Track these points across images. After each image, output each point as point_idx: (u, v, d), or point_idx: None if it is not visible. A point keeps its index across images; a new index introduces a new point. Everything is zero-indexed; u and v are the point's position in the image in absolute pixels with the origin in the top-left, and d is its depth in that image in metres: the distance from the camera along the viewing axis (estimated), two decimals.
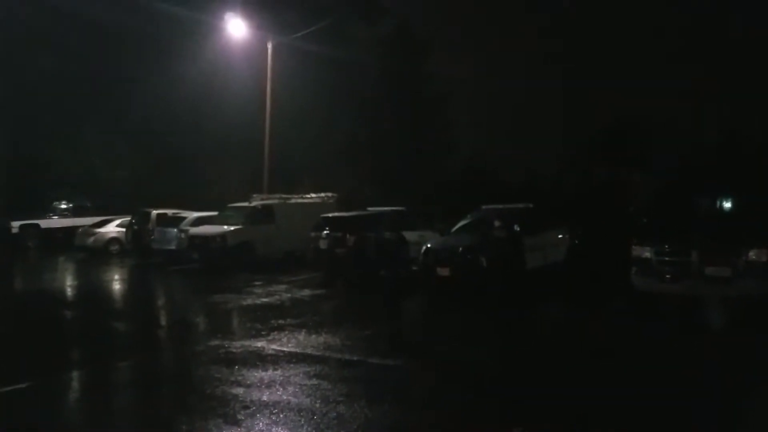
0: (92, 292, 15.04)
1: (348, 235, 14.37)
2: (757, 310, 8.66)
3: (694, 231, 9.28)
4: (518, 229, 12.55)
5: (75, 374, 7.63)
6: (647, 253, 9.40)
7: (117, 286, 16.36)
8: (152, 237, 20.31)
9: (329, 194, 19.85)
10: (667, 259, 9.21)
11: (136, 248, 21.48)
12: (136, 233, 21.39)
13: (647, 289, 9.45)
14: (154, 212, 21.08)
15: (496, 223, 11.72)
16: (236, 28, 22.77)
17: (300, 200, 19.39)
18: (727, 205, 10.32)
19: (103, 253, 22.40)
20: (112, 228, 23.10)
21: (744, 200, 10.12)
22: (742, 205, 10.08)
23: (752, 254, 8.52)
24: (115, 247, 22.77)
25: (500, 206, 14.09)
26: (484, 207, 14.46)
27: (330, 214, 15.97)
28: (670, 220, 10.07)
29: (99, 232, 23.01)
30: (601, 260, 13.14)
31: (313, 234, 15.25)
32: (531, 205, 14.20)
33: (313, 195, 19.79)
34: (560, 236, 14.17)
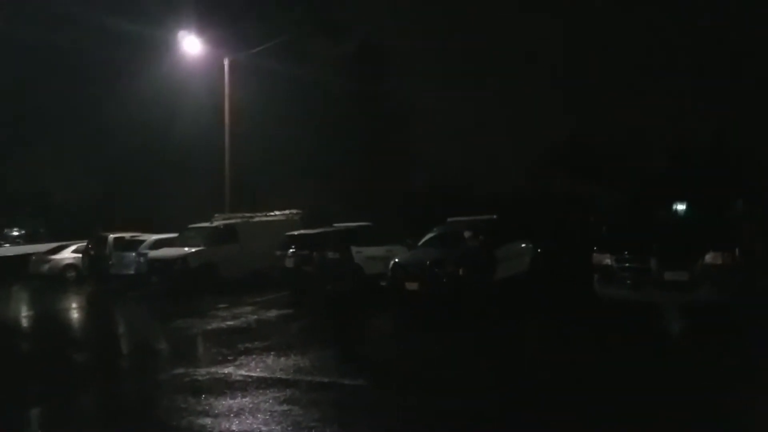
0: (48, 321, 14.46)
1: (314, 253, 14.21)
2: (714, 314, 8.84)
3: (653, 238, 9.37)
4: (482, 239, 12.69)
5: (32, 410, 7.22)
6: (608, 261, 9.46)
7: (75, 314, 15.78)
8: (110, 262, 19.70)
9: (294, 211, 19.56)
10: (627, 265, 9.29)
11: (93, 274, 20.80)
12: (92, 259, 20.72)
13: (609, 296, 9.50)
14: (111, 236, 20.48)
15: (466, 234, 11.78)
16: (192, 45, 22.52)
17: (264, 218, 19.08)
18: (685, 212, 10.52)
19: (60, 280, 21.58)
20: (68, 254, 22.30)
21: (700, 207, 10.31)
22: (698, 211, 10.17)
23: (708, 258, 8.64)
24: (71, 274, 21.94)
25: (465, 218, 14.17)
26: (449, 220, 14.52)
27: (295, 232, 15.77)
28: (630, 228, 10.17)
29: (54, 258, 22.21)
30: (564, 269, 13.30)
31: (278, 253, 15.03)
32: (494, 217, 14.32)
33: (277, 212, 19.49)
34: (523, 246, 14.29)
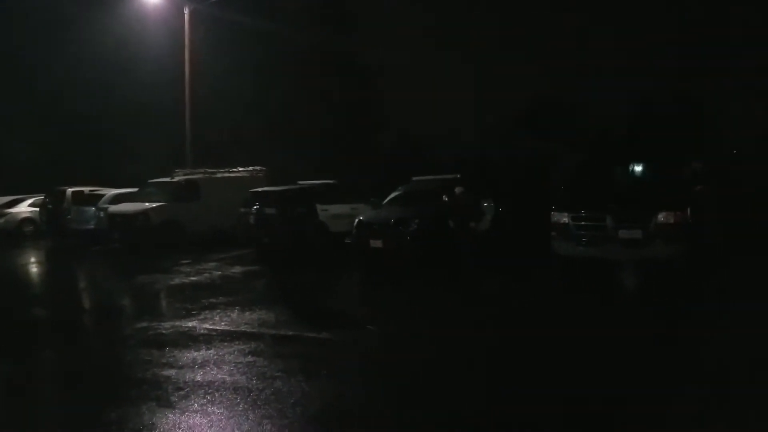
0: (6, 276, 14.20)
1: (279, 211, 14.20)
2: (665, 271, 9.28)
3: (609, 196, 9.71)
4: (446, 199, 12.89)
5: None
6: (565, 219, 9.78)
7: (34, 269, 15.53)
8: (69, 216, 19.32)
9: (258, 168, 19.38)
10: (583, 223, 9.63)
11: (51, 229, 20.38)
12: (50, 213, 20.27)
13: (566, 253, 9.85)
14: (69, 190, 19.99)
15: (457, 190, 12.00)
16: None
17: (227, 175, 18.85)
18: (641, 172, 10.82)
19: (16, 234, 21.13)
20: (25, 208, 21.79)
21: (656, 167, 10.58)
22: (655, 171, 10.52)
23: (661, 217, 9.01)
24: (29, 228, 21.52)
25: (430, 177, 14.30)
26: (414, 179, 14.62)
27: (260, 189, 15.67)
28: (587, 187, 10.42)
29: (10, 212, 21.65)
30: (524, 228, 13.62)
31: (242, 209, 14.95)
32: (458, 176, 14.46)
33: (241, 169, 19.28)
34: (485, 205, 14.52)
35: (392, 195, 13.93)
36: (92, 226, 18.35)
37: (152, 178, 18.43)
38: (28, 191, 22.35)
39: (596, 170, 11.07)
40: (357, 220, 12.75)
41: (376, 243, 12.11)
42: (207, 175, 18.44)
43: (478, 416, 4.97)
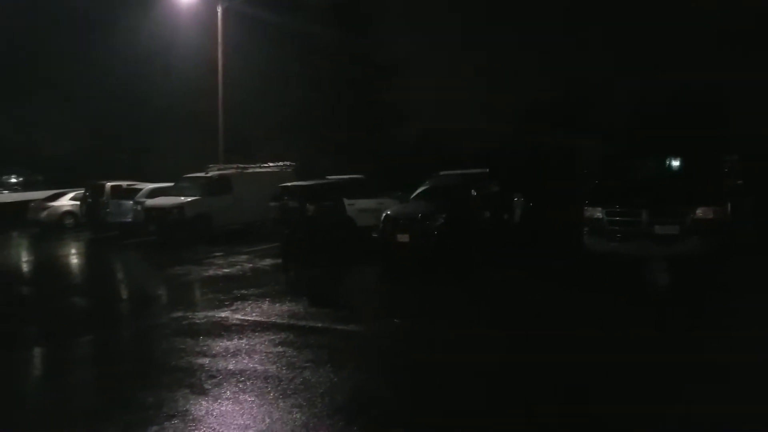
0: (49, 267, 14.79)
1: (308, 205, 14.42)
2: (702, 268, 8.99)
3: (644, 191, 9.42)
4: (475, 193, 12.97)
5: (35, 351, 7.60)
6: (599, 214, 9.54)
7: (74, 260, 16.12)
8: (107, 210, 19.95)
9: (287, 163, 19.73)
10: (618, 219, 9.38)
11: (91, 222, 21.08)
12: (90, 206, 20.95)
13: (598, 249, 9.57)
14: (108, 184, 20.62)
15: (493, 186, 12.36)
16: None
17: (257, 170, 19.23)
18: (676, 165, 10.38)
19: (58, 227, 21.91)
20: (66, 201, 22.56)
21: (692, 161, 10.14)
22: (690, 165, 10.12)
23: (699, 212, 8.75)
24: (69, 221, 22.28)
25: (457, 172, 14.34)
26: (441, 173, 14.67)
27: (289, 184, 15.96)
28: (621, 182, 10.11)
29: (52, 205, 22.46)
30: (553, 222, 13.54)
31: (272, 204, 15.25)
32: (487, 170, 14.48)
33: (271, 164, 19.64)
34: (515, 199, 14.52)
35: (419, 189, 13.99)
36: (130, 219, 18.93)
37: (185, 173, 18.91)
38: (69, 185, 23.13)
39: (626, 164, 10.77)
40: (384, 214, 12.84)
41: (403, 237, 12.18)
42: (239, 171, 18.83)
43: (499, 411, 5.10)
